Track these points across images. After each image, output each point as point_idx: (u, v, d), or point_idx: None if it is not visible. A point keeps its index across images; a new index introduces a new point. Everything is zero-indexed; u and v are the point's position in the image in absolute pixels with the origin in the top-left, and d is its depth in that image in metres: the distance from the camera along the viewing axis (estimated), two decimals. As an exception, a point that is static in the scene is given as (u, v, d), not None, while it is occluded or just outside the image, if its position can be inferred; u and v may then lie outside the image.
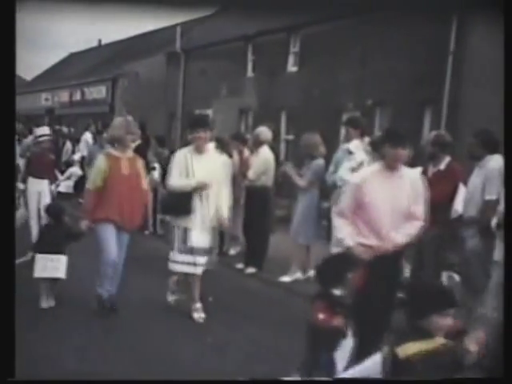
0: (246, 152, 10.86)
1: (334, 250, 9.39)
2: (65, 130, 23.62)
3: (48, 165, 11.49)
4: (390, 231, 5.85)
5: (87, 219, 7.72)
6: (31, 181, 11.27)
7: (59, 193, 15.11)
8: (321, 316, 4.91)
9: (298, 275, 9.83)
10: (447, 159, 7.77)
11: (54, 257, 7.72)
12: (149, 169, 13.09)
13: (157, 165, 13.40)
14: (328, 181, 9.25)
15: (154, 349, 6.61)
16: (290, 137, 21.59)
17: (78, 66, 39.96)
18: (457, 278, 7.95)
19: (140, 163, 8.05)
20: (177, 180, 7.72)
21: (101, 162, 7.78)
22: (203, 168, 7.66)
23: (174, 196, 7.72)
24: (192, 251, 7.62)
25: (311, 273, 9.92)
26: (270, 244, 10.47)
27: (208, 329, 7.40)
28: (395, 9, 15.66)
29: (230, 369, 6.24)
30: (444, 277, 7.63)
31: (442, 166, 7.73)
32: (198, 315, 7.70)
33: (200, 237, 7.65)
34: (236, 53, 24.23)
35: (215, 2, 20.87)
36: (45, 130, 12.24)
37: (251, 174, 10.32)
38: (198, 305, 7.77)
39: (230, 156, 11.39)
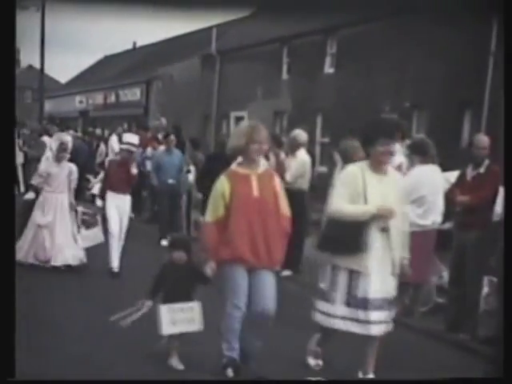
0: (282, 154, 10.78)
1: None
2: (99, 132, 23.75)
3: (129, 178, 9.79)
4: None
5: (212, 260, 5.85)
6: (110, 195, 9.81)
7: (93, 195, 15.08)
8: None
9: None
10: (486, 162, 7.63)
11: (185, 306, 6.00)
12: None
13: (192, 168, 13.36)
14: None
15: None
16: (326, 139, 21.46)
17: (113, 69, 40.21)
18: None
19: (276, 181, 6.05)
20: (347, 205, 5.78)
21: (222, 184, 5.86)
22: (381, 193, 5.76)
23: (341, 226, 5.79)
24: (365, 304, 5.75)
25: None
26: (306, 247, 10.37)
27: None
28: (434, 10, 15.53)
29: (265, 372, 6.15)
30: (485, 281, 7.46)
31: (482, 169, 7.58)
32: None
33: (378, 284, 5.76)
34: (271, 55, 24.23)
35: (251, 4, 20.90)
36: (134, 138, 10.45)
37: (289, 176, 10.14)
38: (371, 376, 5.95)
39: (267, 158, 11.36)
